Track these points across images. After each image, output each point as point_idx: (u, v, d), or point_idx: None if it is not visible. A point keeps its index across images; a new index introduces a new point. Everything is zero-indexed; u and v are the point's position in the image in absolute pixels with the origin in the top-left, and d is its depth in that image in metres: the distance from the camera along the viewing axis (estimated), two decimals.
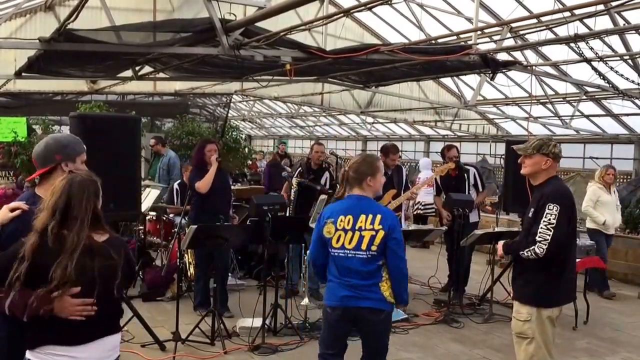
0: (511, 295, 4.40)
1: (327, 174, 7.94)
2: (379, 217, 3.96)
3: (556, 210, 3.97)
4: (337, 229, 4.01)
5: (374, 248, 3.94)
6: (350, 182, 4.11)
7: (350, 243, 3.97)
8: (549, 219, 3.97)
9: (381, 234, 3.92)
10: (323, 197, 7.45)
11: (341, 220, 4.01)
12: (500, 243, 4.37)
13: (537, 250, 3.98)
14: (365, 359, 4.13)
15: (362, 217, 3.98)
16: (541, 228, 3.98)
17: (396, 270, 3.98)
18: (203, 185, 6.83)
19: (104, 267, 2.78)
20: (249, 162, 17.83)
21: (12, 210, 2.94)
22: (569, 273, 4.21)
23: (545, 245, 3.96)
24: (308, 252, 4.34)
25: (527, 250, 4.04)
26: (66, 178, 2.84)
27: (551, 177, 4.20)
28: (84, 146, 3.27)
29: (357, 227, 3.97)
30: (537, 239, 3.99)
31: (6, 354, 3.04)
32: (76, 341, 2.78)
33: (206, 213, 6.70)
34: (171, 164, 10.70)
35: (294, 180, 7.87)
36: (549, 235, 3.96)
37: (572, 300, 4.28)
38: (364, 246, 3.95)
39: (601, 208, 8.67)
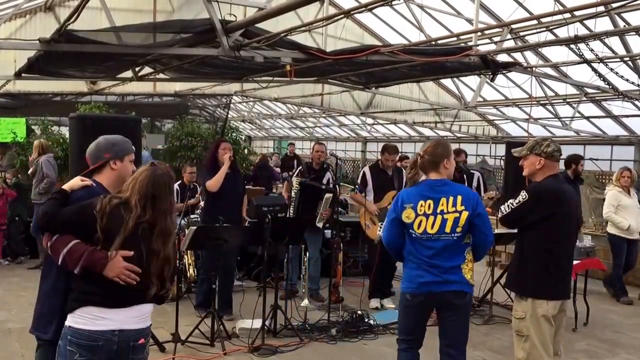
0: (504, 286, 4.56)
1: (328, 174, 7.89)
2: (460, 197, 3.97)
3: (523, 198, 4.20)
4: (417, 214, 3.98)
5: (458, 230, 3.94)
6: (426, 166, 4.09)
7: (432, 227, 3.96)
8: (514, 201, 4.25)
9: (465, 214, 3.94)
10: (328, 195, 7.44)
11: (421, 205, 3.98)
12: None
13: (501, 210, 4.38)
14: (448, 346, 4.12)
15: (443, 200, 3.97)
16: (509, 202, 4.30)
17: (484, 247, 4.11)
18: (213, 184, 6.74)
19: (170, 254, 3.10)
20: None
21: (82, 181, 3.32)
22: (561, 269, 4.26)
23: (500, 215, 4.38)
24: (381, 235, 4.32)
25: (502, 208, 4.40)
26: (151, 169, 3.15)
27: (548, 176, 4.26)
28: (133, 147, 3.57)
29: (438, 211, 3.96)
30: (501, 207, 4.38)
31: (49, 323, 3.32)
32: (114, 304, 3.01)
33: (213, 216, 6.49)
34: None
35: (295, 180, 7.85)
36: (505, 210, 4.31)
37: (564, 298, 4.29)
38: (447, 229, 3.94)
39: (623, 212, 8.43)
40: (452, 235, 3.95)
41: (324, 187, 7.64)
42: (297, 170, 8.06)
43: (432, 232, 3.96)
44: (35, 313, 3.46)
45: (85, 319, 2.98)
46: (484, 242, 4.09)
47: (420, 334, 4.20)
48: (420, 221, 3.97)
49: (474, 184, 8.22)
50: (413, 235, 4.02)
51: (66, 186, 3.26)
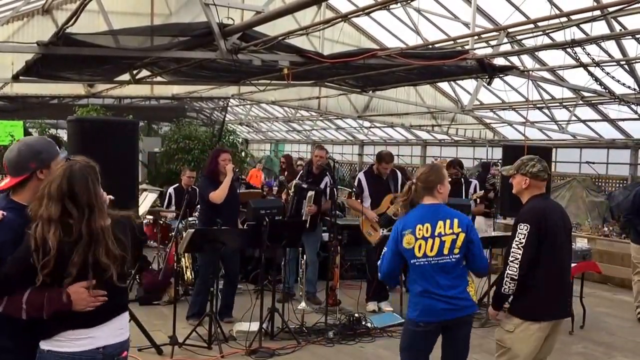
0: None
1: (327, 179, 7.88)
2: (456, 220, 4.02)
3: (526, 230, 4.03)
4: (417, 238, 4.01)
5: (456, 251, 3.99)
6: (420, 192, 4.13)
7: (432, 250, 3.99)
8: (520, 239, 4.04)
9: (462, 236, 3.98)
10: (311, 193, 7.50)
11: (419, 229, 4.01)
12: (490, 310, 4.36)
13: (509, 272, 4.03)
14: (451, 358, 4.18)
15: (440, 223, 4.01)
16: (513, 248, 4.06)
17: (480, 270, 4.20)
18: (218, 195, 6.64)
19: (116, 252, 2.79)
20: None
21: None
22: (554, 288, 4.14)
23: (517, 264, 4.01)
24: (380, 264, 4.27)
25: (503, 284, 4.07)
26: (65, 165, 2.79)
27: (533, 197, 4.21)
28: (57, 148, 3.04)
29: (436, 233, 3.99)
30: (509, 259, 4.06)
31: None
32: (94, 323, 2.82)
33: (213, 224, 6.41)
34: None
35: (292, 184, 7.87)
36: (519, 254, 4.02)
37: (560, 317, 4.23)
38: (446, 251, 3.98)
39: None
40: (451, 257, 3.98)
41: (305, 186, 7.66)
42: (299, 175, 8.09)
43: (432, 255, 3.99)
44: None
45: (67, 340, 2.77)
46: (479, 268, 4.16)
47: (427, 358, 4.21)
48: (420, 245, 4.01)
49: (471, 190, 8.35)
50: (416, 263, 4.03)
51: None
